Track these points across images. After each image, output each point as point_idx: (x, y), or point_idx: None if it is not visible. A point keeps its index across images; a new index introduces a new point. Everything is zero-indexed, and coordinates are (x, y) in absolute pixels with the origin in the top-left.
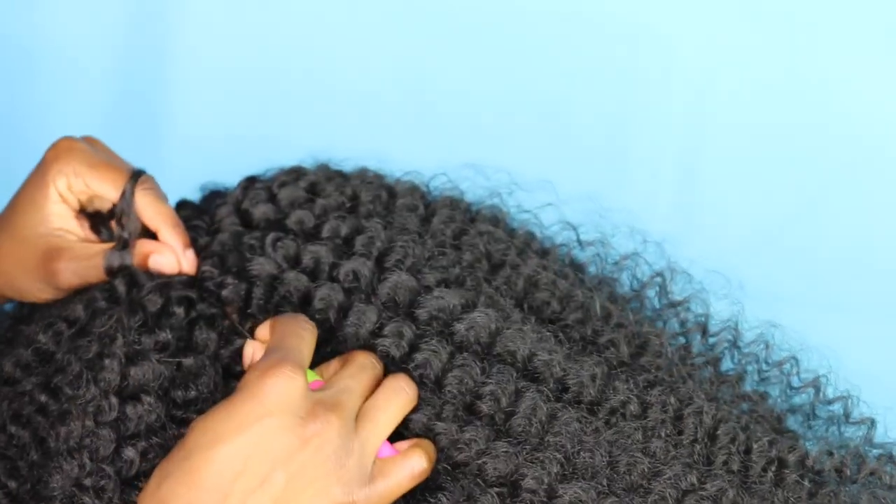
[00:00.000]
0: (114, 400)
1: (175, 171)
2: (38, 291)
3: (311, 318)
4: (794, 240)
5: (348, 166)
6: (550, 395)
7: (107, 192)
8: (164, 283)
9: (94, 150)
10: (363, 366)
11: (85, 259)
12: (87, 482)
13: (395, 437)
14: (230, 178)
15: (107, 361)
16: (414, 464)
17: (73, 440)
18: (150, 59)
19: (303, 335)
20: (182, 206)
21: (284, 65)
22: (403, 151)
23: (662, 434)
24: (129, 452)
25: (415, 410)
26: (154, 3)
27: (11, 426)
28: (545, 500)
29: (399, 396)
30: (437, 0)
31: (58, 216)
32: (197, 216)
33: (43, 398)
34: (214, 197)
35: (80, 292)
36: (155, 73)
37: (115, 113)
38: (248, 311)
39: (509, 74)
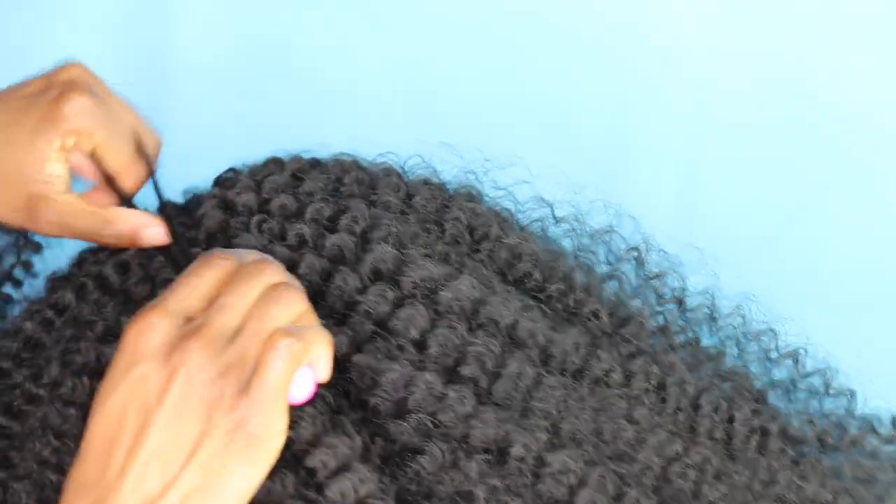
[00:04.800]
0: (85, 380)
1: (175, 171)
2: (13, 221)
3: None
4: (795, 239)
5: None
6: (536, 360)
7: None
8: (154, 269)
9: (108, 117)
10: (247, 275)
11: (69, 217)
12: (52, 459)
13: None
14: None
15: (82, 344)
16: (281, 348)
17: (38, 421)
18: (151, 59)
19: (202, 273)
20: (166, 207)
21: (285, 64)
22: (401, 150)
23: (646, 402)
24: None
25: (394, 360)
26: (154, 2)
27: (2, 417)
28: (534, 468)
29: (285, 299)
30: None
31: (53, 163)
32: (179, 214)
33: (33, 389)
34: (196, 200)
35: (67, 279)
36: (155, 73)
37: None
38: None
39: (508, 74)
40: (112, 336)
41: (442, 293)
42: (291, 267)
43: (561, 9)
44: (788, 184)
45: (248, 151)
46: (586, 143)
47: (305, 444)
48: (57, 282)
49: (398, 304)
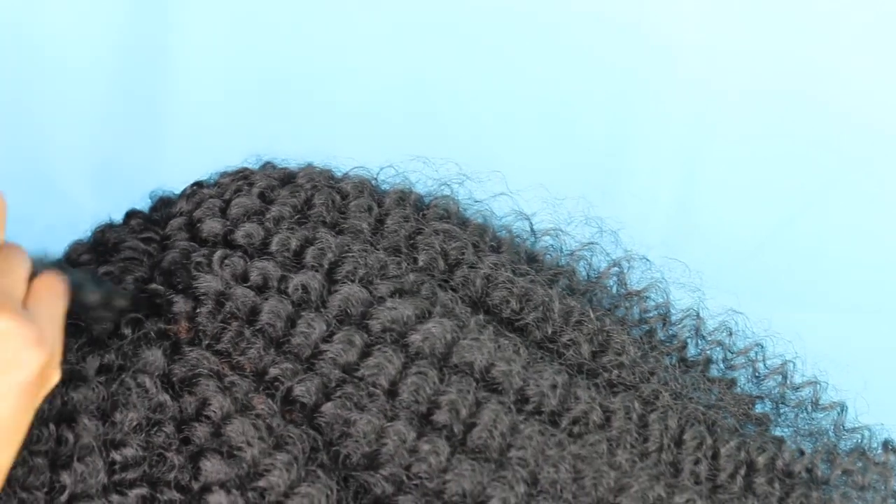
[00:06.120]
0: (52, 427)
1: (175, 172)
2: None
3: (260, 330)
4: (795, 241)
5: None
6: (512, 407)
7: None
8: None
9: None
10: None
11: None
12: None
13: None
14: None
15: None
16: None
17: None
18: (151, 60)
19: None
20: (132, 216)
21: (285, 65)
22: (402, 153)
23: (627, 444)
24: (64, 477)
25: (364, 410)
26: (154, 2)
27: None
28: None
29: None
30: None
31: None
32: (148, 227)
33: None
34: (165, 205)
35: None
36: (155, 74)
37: (115, 113)
38: (197, 327)
39: (507, 75)
40: (78, 380)
41: (412, 336)
42: (254, 311)
43: (560, 10)
44: (787, 187)
45: (245, 152)
46: (585, 146)
47: (280, 493)
48: None
49: (367, 350)
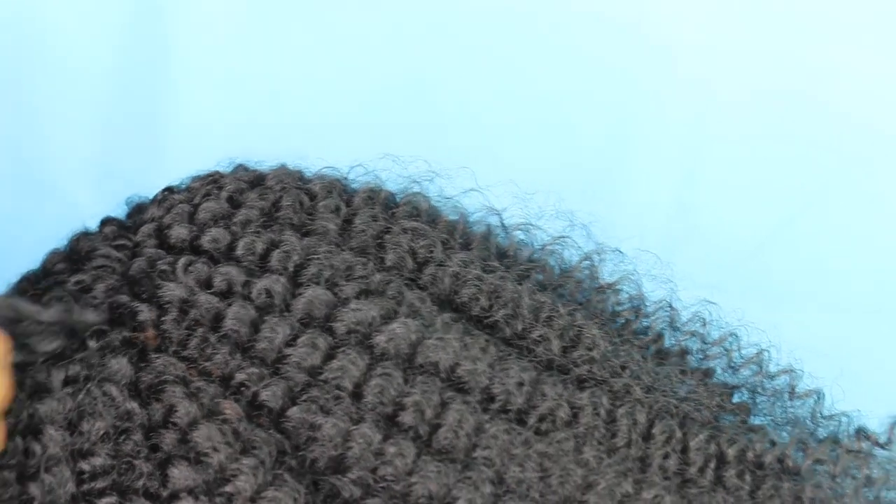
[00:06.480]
0: (18, 441)
1: (175, 172)
2: None
3: (225, 335)
4: (795, 241)
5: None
6: (477, 406)
7: None
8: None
9: None
10: None
11: None
12: None
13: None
14: None
15: (13, 404)
16: None
17: None
18: (150, 60)
19: None
20: (107, 223)
21: (287, 66)
22: (403, 154)
23: (595, 441)
24: (33, 489)
25: (329, 413)
26: (154, 3)
27: None
28: None
29: None
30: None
31: None
32: (121, 234)
33: None
34: (138, 211)
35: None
36: (155, 74)
37: (115, 113)
38: (164, 334)
39: (506, 75)
40: (44, 392)
41: (377, 337)
42: (218, 317)
43: (559, 9)
44: (787, 187)
45: (244, 152)
46: (585, 146)
47: (247, 498)
48: None
49: (331, 352)
